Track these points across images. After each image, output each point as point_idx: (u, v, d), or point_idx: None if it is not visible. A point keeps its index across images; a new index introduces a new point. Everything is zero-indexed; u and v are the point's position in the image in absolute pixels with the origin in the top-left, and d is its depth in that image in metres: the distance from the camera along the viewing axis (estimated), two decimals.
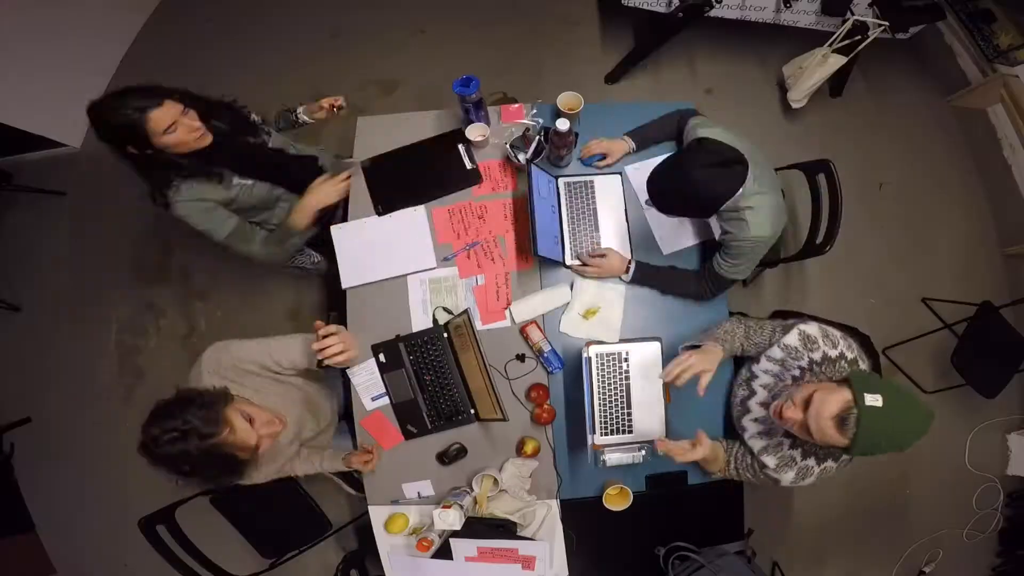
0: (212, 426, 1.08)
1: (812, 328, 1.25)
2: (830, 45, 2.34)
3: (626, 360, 1.45)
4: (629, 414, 1.45)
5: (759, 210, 1.35)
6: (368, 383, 1.60)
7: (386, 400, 1.59)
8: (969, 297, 2.32)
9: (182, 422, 1.06)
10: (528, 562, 1.46)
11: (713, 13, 2.29)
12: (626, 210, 1.67)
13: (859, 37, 2.26)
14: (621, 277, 1.59)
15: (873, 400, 1.02)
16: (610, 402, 1.45)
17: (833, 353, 1.22)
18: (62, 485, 2.41)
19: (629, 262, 1.57)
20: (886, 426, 1.03)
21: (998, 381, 2.16)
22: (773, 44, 2.68)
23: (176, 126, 1.33)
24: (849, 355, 1.22)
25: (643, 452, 1.47)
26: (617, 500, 1.49)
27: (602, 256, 1.56)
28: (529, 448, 1.53)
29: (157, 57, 2.81)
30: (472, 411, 1.55)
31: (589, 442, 1.45)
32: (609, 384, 1.45)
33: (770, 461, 1.30)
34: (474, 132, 1.67)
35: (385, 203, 1.71)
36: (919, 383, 2.50)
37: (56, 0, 2.43)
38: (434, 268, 1.65)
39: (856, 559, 2.42)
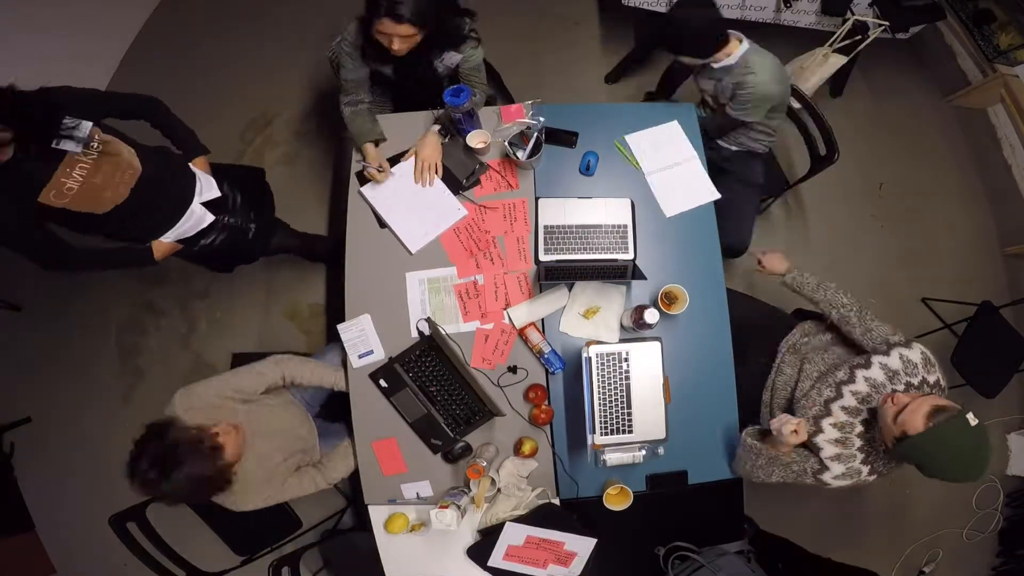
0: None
1: (928, 351, 1.33)
2: (830, 45, 2.34)
3: (626, 360, 1.45)
4: (629, 414, 1.44)
5: (761, 70, 1.67)
6: (357, 339, 1.60)
7: (372, 358, 1.60)
8: (969, 297, 2.32)
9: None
10: (567, 559, 1.47)
11: None
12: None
13: (859, 37, 2.26)
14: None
15: (972, 418, 1.10)
16: (610, 402, 1.44)
17: (935, 379, 1.32)
18: (62, 485, 2.40)
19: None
20: (963, 441, 1.10)
21: (998, 381, 2.16)
22: (773, 44, 2.66)
23: None
24: (944, 384, 1.32)
25: (643, 452, 1.48)
26: (617, 500, 1.49)
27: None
28: (527, 448, 1.53)
29: (160, 53, 2.80)
30: (486, 408, 1.54)
31: (589, 442, 1.45)
32: (609, 384, 1.45)
33: (836, 468, 1.31)
34: (475, 139, 1.66)
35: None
36: None
37: None
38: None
39: (856, 559, 2.40)
